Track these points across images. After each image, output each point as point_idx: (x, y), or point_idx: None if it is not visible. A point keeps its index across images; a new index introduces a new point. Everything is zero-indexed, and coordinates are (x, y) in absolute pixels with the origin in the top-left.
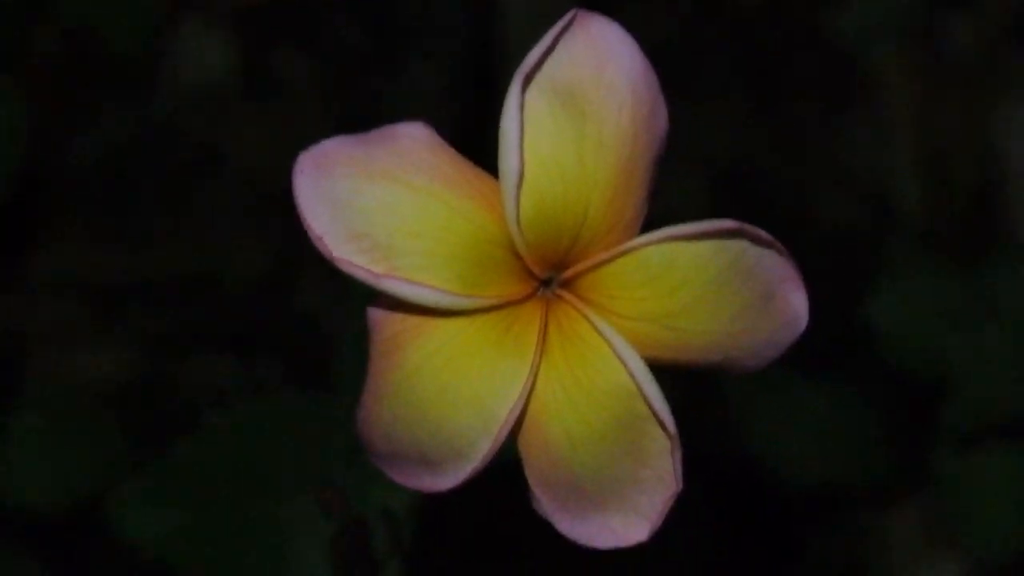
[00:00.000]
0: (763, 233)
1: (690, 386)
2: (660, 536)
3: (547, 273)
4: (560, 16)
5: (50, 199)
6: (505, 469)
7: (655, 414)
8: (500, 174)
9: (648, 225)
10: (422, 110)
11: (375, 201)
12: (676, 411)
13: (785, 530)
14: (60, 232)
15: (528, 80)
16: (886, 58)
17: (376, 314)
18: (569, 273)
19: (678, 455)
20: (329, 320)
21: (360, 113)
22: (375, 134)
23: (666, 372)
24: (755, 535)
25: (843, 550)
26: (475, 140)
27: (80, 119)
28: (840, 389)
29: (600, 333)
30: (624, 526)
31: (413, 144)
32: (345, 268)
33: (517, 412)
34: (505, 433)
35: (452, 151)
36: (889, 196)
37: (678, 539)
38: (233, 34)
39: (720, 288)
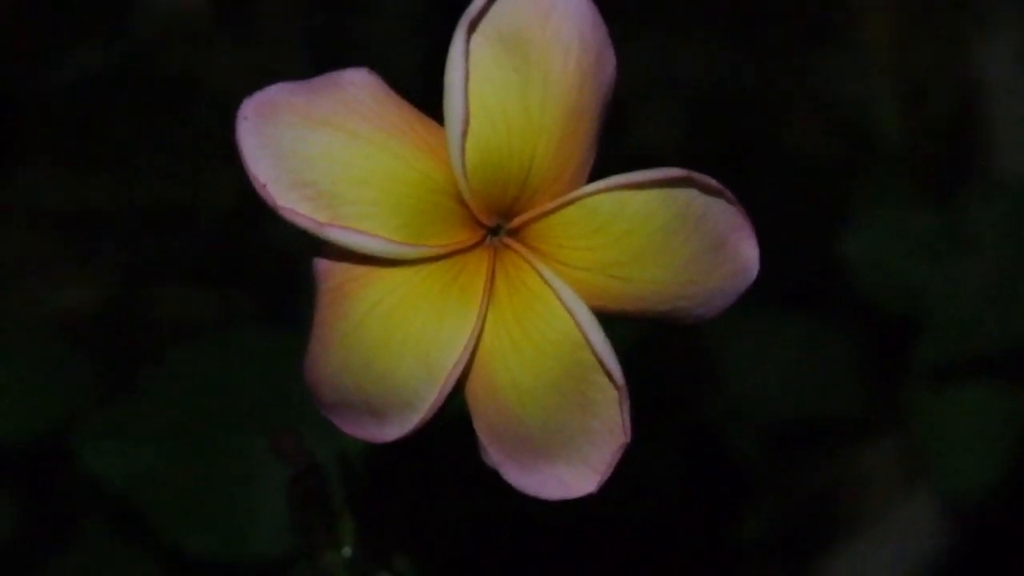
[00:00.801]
0: (712, 181)
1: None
2: (625, 476)
3: (494, 221)
4: None
5: (21, 127)
6: (457, 419)
7: (602, 364)
8: (445, 122)
9: (622, 157)
10: (394, 38)
11: (319, 149)
12: (647, 346)
13: (758, 465)
14: (30, 160)
15: (473, 27)
16: None
17: (322, 264)
18: (516, 222)
19: (626, 406)
20: (301, 254)
21: (333, 41)
22: (319, 81)
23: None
24: (727, 470)
25: (817, 485)
26: (443, 69)
27: (53, 47)
28: (815, 323)
29: (547, 282)
30: (572, 477)
31: (358, 91)
32: (289, 217)
33: (463, 362)
34: (451, 383)
35: (398, 98)
36: (867, 125)
37: (649, 475)
38: None
39: (668, 237)
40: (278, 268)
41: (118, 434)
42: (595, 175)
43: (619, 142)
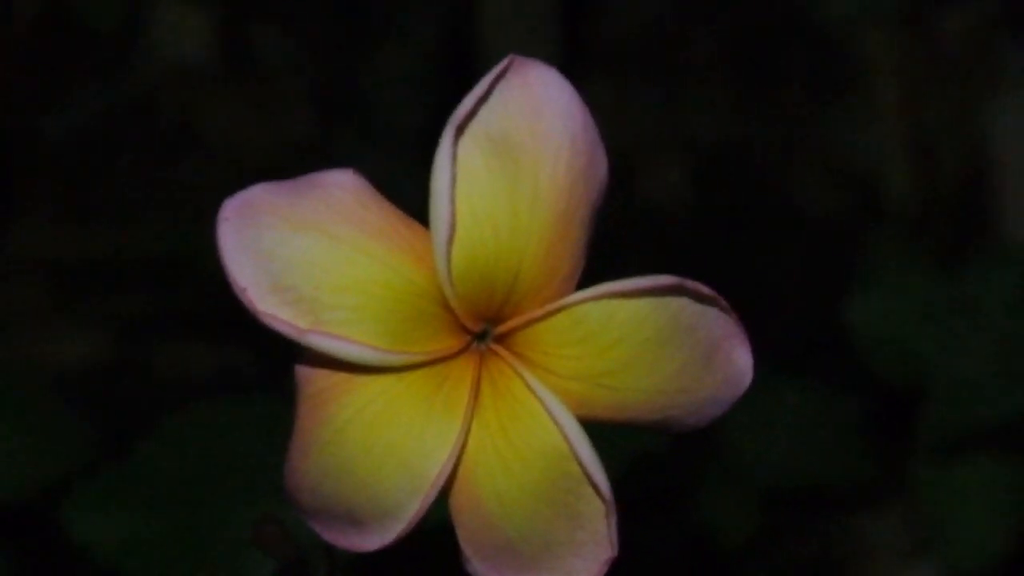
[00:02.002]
0: (705, 289)
1: None
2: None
3: (480, 327)
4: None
5: (21, 175)
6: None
7: (589, 477)
8: (431, 226)
9: (625, 218)
10: (396, 93)
11: (300, 253)
12: None
13: (760, 534)
14: (30, 209)
15: (461, 129)
16: (875, 46)
17: (303, 369)
18: (503, 328)
19: (613, 519)
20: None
21: (337, 94)
22: (302, 181)
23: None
24: (728, 538)
25: (820, 555)
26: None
27: (54, 94)
28: (819, 389)
29: (533, 391)
30: None
31: (341, 193)
32: (269, 322)
33: (447, 472)
34: (434, 494)
35: (382, 201)
36: (875, 185)
37: (654, 546)
38: (211, 11)
39: (659, 346)
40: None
41: (107, 503)
42: (600, 233)
43: (626, 198)
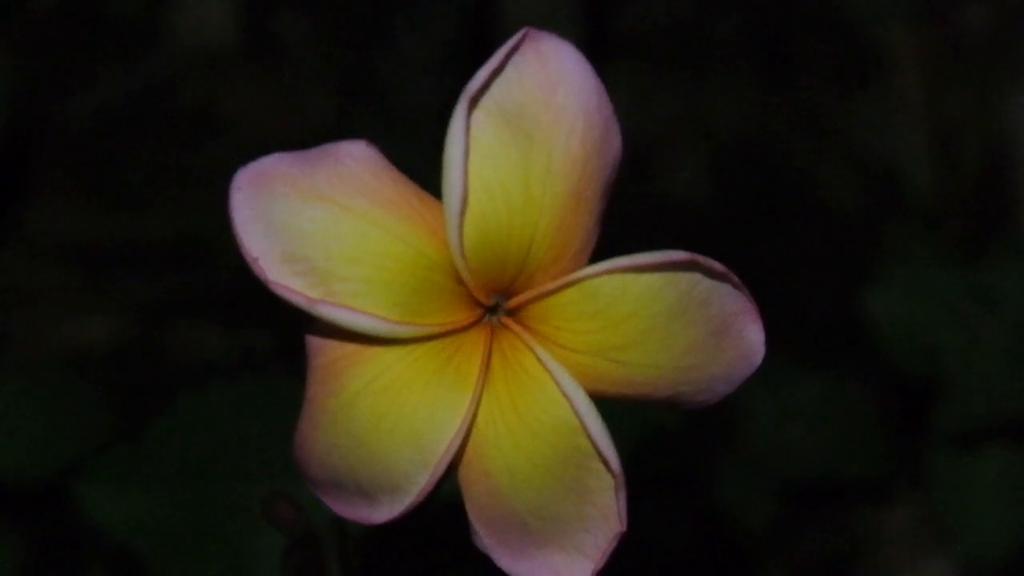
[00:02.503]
0: (717, 265)
1: None
2: (644, 532)
3: (492, 301)
4: None
5: (43, 159)
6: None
7: (598, 451)
8: (443, 199)
9: (644, 208)
10: (417, 78)
11: (313, 223)
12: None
13: (775, 525)
14: (51, 193)
15: (475, 101)
16: (898, 38)
17: (314, 340)
18: (515, 302)
19: (622, 494)
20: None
21: (358, 79)
22: (316, 152)
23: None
24: (743, 529)
25: (835, 547)
26: None
27: (76, 79)
28: (836, 381)
29: (544, 365)
30: (566, 565)
31: (355, 165)
32: (280, 292)
33: (456, 445)
34: (444, 467)
35: (395, 172)
36: (897, 178)
37: (668, 530)
38: None
39: (671, 321)
40: (294, 308)
41: (121, 482)
42: (619, 223)
43: (645, 188)
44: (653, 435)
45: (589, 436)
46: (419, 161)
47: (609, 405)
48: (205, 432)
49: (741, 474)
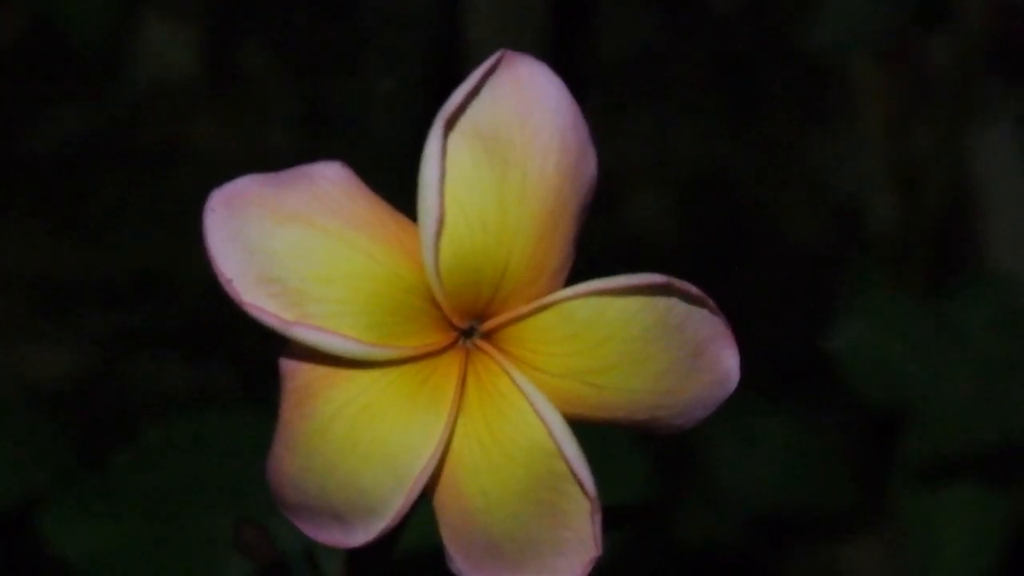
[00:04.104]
0: (693, 289)
1: None
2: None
3: (467, 323)
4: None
5: (3, 191)
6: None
7: (574, 475)
8: (419, 221)
9: (608, 240)
10: (383, 108)
11: (287, 245)
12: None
13: (743, 559)
14: (12, 224)
15: (451, 123)
16: (861, 74)
17: (288, 363)
18: (490, 324)
19: (598, 518)
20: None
21: (322, 110)
22: (291, 173)
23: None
24: (711, 563)
25: None
26: None
27: (38, 111)
28: (802, 414)
29: (519, 389)
30: None
31: (329, 186)
32: (254, 314)
33: (431, 469)
34: (418, 490)
35: (371, 194)
36: (860, 213)
37: (634, 563)
38: (196, 27)
39: (647, 345)
40: (258, 340)
41: (84, 513)
42: (581, 255)
43: (609, 220)
44: (617, 466)
45: (565, 459)
46: (384, 191)
47: (574, 434)
48: (169, 463)
49: (706, 507)
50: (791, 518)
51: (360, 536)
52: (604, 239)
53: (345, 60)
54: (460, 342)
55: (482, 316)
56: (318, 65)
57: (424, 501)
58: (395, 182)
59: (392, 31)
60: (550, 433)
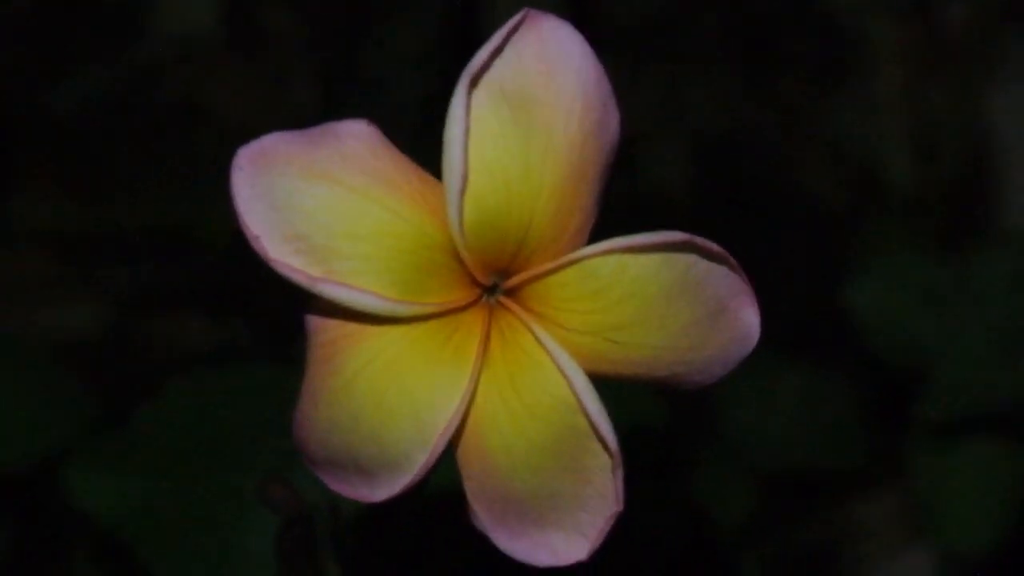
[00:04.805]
0: (714, 246)
1: None
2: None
3: (491, 280)
4: None
5: (26, 148)
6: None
7: (596, 431)
8: (444, 178)
9: (625, 202)
10: (400, 68)
11: (313, 202)
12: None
13: (757, 516)
14: (34, 182)
15: (475, 82)
16: (879, 34)
17: (314, 319)
18: (513, 281)
19: (619, 474)
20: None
21: (341, 69)
22: (317, 131)
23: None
24: (726, 520)
25: (817, 537)
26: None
27: (60, 69)
28: (818, 373)
29: (542, 345)
30: (563, 544)
31: (355, 144)
32: (281, 270)
33: (455, 424)
34: (442, 445)
35: (396, 151)
36: (877, 173)
37: (647, 520)
38: None
39: (668, 302)
40: (278, 298)
41: (109, 468)
42: (601, 216)
43: (627, 182)
44: (634, 424)
45: (587, 415)
46: (404, 150)
47: (596, 390)
48: (192, 419)
49: (722, 464)
50: (806, 475)
51: (384, 490)
52: (618, 199)
53: (364, 18)
54: (484, 299)
55: (506, 273)
56: (337, 23)
57: (448, 456)
58: (414, 139)
59: None
60: (572, 389)
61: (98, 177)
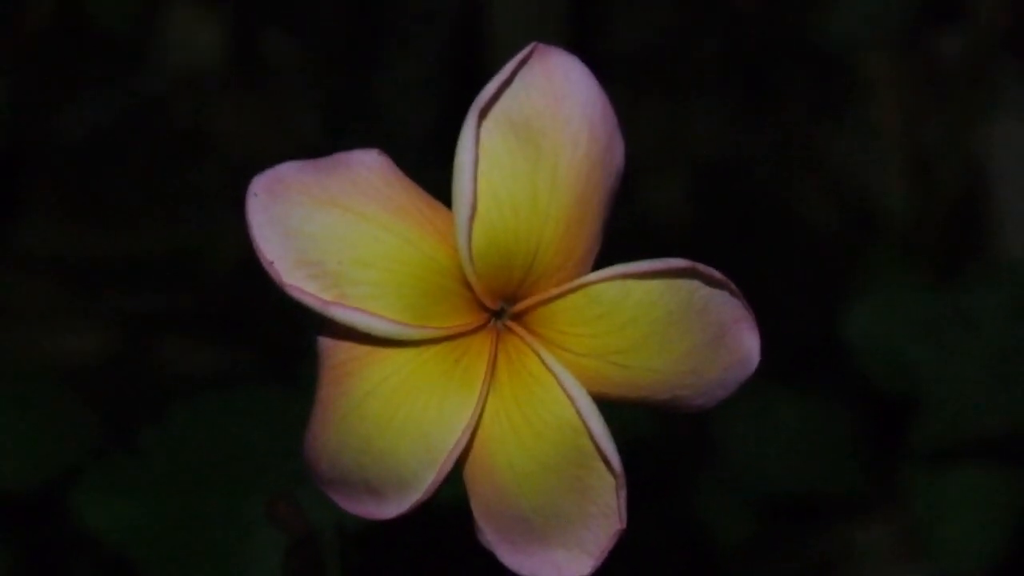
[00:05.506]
0: (716, 273)
1: None
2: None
3: (498, 305)
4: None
5: (33, 176)
6: (454, 499)
7: (600, 452)
8: (453, 206)
9: (625, 229)
10: (405, 99)
11: (327, 229)
12: (648, 416)
13: (754, 540)
14: (41, 209)
15: (484, 112)
16: (875, 65)
17: (326, 341)
18: (520, 306)
19: (623, 493)
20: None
21: (345, 99)
22: (330, 160)
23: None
24: (723, 545)
25: (813, 562)
26: (455, 132)
27: (66, 98)
28: (814, 398)
29: (548, 368)
30: (567, 561)
31: (367, 172)
32: (295, 295)
33: (463, 444)
34: (450, 465)
35: (406, 180)
36: (872, 203)
37: (647, 544)
38: (222, 16)
39: (670, 327)
40: (282, 323)
41: (116, 490)
42: (605, 243)
43: (625, 209)
44: (636, 445)
45: (591, 437)
46: (409, 178)
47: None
48: (199, 442)
49: (719, 488)
50: (803, 498)
51: (393, 509)
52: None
53: (368, 48)
54: (491, 323)
55: (513, 298)
56: (341, 53)
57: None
58: (418, 167)
59: (415, 21)
60: (577, 411)
61: (104, 204)
